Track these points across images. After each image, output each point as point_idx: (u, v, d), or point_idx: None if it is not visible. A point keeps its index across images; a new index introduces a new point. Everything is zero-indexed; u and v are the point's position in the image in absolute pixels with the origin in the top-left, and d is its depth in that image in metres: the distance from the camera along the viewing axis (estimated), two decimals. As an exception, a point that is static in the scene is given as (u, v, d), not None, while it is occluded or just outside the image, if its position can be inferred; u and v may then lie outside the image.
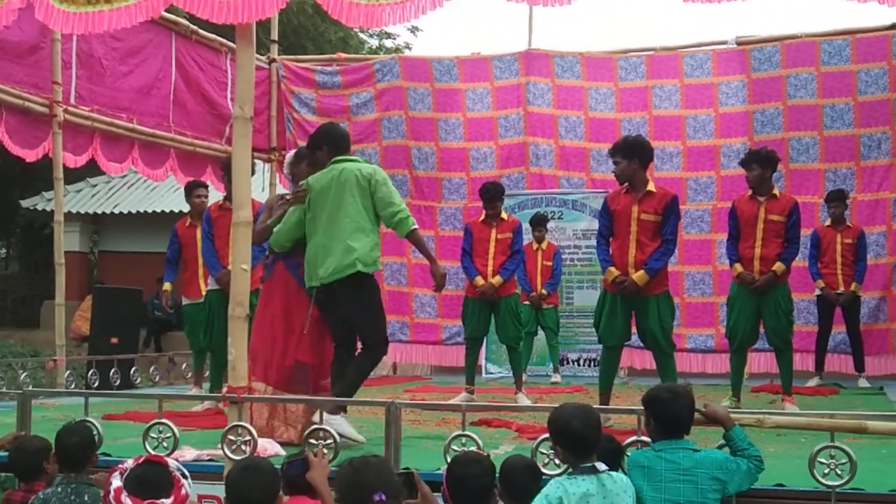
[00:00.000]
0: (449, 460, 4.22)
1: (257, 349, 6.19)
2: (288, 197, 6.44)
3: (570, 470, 3.84)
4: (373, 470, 3.27)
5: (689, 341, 11.27)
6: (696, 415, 4.25)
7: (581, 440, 3.81)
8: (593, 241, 8.23)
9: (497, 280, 8.67)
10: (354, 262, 5.97)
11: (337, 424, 5.46)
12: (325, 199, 6.09)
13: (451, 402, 8.39)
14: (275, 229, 6.35)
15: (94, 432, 4.90)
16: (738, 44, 11.50)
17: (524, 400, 8.65)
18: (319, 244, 6.08)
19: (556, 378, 11.13)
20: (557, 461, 4.19)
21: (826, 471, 4.27)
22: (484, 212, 8.98)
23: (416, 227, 6.19)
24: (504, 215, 9.03)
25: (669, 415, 4.09)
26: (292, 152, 6.85)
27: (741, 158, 8.33)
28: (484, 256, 8.88)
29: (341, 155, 6.23)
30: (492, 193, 8.95)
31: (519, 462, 4.05)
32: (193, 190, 9.00)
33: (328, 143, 6.27)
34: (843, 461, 4.25)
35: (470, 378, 8.95)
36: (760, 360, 11.02)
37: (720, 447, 4.25)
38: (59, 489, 4.14)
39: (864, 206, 10.82)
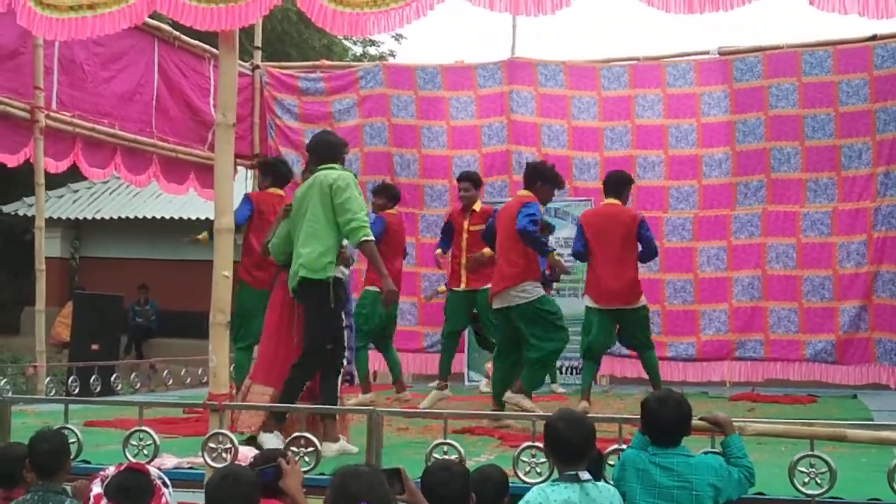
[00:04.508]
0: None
1: (263, 354, 6.45)
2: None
3: (554, 477, 3.84)
4: (361, 479, 3.26)
5: (669, 349, 11.28)
6: (700, 421, 4.27)
7: (566, 444, 3.81)
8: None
9: (487, 251, 8.51)
10: (299, 269, 6.09)
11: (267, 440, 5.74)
12: (300, 210, 6.21)
13: (422, 403, 8.48)
14: (269, 244, 6.50)
15: (74, 439, 4.88)
16: (721, 54, 11.54)
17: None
18: (294, 254, 6.22)
19: (556, 387, 10.66)
20: (539, 470, 4.19)
21: (806, 479, 4.30)
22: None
23: (370, 238, 6.16)
24: (477, 206, 9.04)
25: (656, 423, 4.09)
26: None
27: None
28: (458, 247, 8.99)
29: (326, 163, 6.26)
30: (465, 174, 9.18)
31: (479, 475, 3.99)
32: None
33: (312, 153, 6.43)
34: (823, 470, 4.28)
35: (444, 375, 8.95)
36: (740, 369, 11.10)
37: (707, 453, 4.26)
38: (29, 497, 4.13)
39: (845, 215, 10.86)
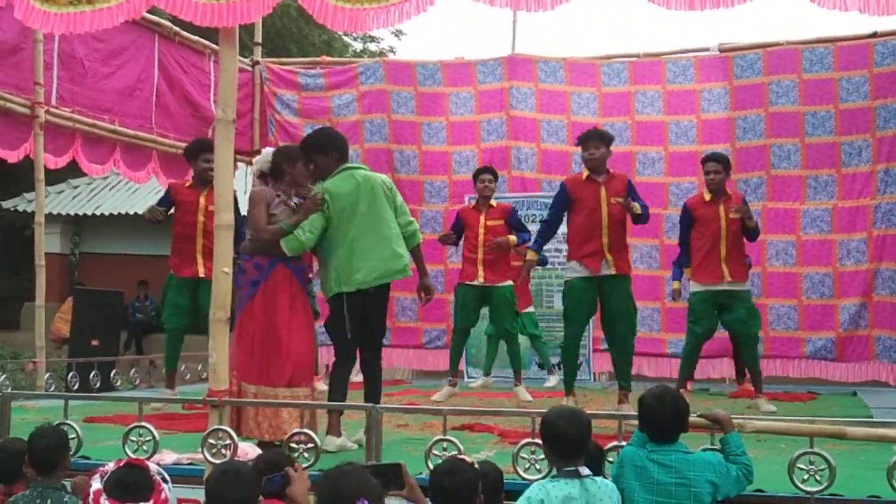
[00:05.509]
0: (430, 466, 4.21)
1: (272, 353, 6.01)
2: (294, 202, 6.14)
3: (554, 473, 3.85)
4: (350, 477, 3.24)
5: (669, 346, 11.29)
6: (699, 419, 4.27)
7: (563, 440, 3.81)
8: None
9: (512, 239, 8.73)
10: (405, 268, 6.13)
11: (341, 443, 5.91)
12: (354, 206, 6.05)
13: (434, 397, 8.50)
14: (300, 235, 5.99)
15: (73, 435, 4.87)
16: (721, 51, 11.53)
17: (524, 393, 8.60)
18: (355, 249, 6.02)
19: (552, 381, 10.44)
20: (538, 467, 4.19)
21: (805, 476, 4.30)
22: (476, 199, 9.13)
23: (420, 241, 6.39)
24: (493, 202, 9.04)
25: (653, 419, 4.09)
26: (270, 150, 6.59)
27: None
28: (473, 242, 8.88)
29: (345, 162, 6.22)
30: (487, 167, 9.26)
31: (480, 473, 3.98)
32: (199, 154, 8.31)
33: (339, 150, 6.21)
34: (823, 467, 4.28)
35: (454, 370, 8.95)
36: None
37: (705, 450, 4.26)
38: (28, 493, 4.12)
39: (845, 212, 10.87)
